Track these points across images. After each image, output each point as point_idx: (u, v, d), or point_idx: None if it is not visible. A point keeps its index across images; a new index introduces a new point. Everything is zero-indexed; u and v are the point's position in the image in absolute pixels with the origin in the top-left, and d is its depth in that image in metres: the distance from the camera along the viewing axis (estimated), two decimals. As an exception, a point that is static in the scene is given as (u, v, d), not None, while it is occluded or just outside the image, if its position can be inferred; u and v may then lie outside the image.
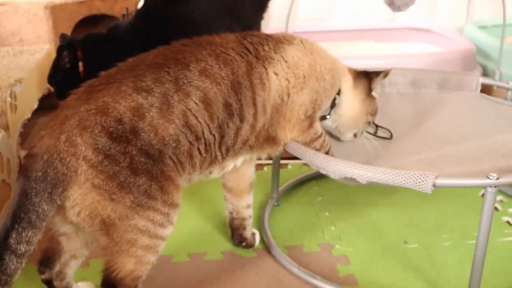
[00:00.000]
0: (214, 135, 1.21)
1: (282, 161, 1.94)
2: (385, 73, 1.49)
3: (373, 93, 1.49)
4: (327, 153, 1.41)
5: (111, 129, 1.09)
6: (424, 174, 1.17)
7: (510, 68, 2.18)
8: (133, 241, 1.13)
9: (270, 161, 1.76)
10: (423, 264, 1.49)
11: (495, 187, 1.16)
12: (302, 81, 1.32)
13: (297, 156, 1.37)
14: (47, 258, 1.28)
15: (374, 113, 1.51)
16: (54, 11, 2.54)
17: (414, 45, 2.84)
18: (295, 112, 1.32)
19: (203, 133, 1.19)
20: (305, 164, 2.00)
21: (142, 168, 1.11)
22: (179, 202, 1.19)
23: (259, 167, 2.03)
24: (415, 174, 1.18)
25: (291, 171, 2.01)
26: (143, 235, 1.14)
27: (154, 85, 1.15)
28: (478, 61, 2.49)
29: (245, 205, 1.54)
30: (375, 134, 1.60)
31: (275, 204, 1.78)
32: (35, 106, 2.19)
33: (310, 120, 1.36)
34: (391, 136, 1.59)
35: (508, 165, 1.30)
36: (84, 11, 2.67)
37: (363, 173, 1.22)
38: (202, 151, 1.22)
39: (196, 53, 1.23)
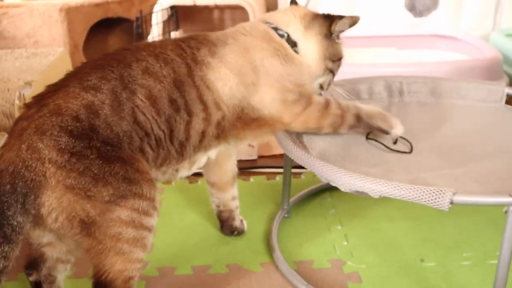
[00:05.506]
0: (163, 130, 1.21)
1: (295, 170, 1.87)
2: (352, 19, 1.38)
3: (337, 40, 1.41)
4: (357, 114, 1.38)
5: (69, 127, 1.07)
6: (441, 190, 1.09)
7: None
8: (118, 236, 1.08)
9: (282, 170, 1.70)
10: (440, 284, 1.40)
11: (518, 206, 1.08)
12: (251, 81, 1.29)
13: (305, 167, 1.29)
14: (32, 261, 1.24)
15: (335, 58, 1.41)
16: (69, 13, 2.51)
17: (437, 52, 2.73)
18: (270, 110, 1.31)
19: (152, 129, 1.19)
20: (319, 174, 1.92)
21: (112, 155, 1.09)
22: (156, 183, 1.18)
23: (270, 176, 1.96)
24: (430, 190, 1.09)
25: (304, 181, 1.93)
26: (127, 227, 1.09)
27: (101, 83, 1.15)
28: (505, 70, 2.39)
29: (230, 198, 1.57)
30: (394, 144, 1.51)
31: (286, 216, 1.70)
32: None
33: (301, 102, 1.33)
34: (411, 149, 1.50)
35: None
36: (100, 13, 2.64)
37: (374, 187, 1.14)
38: (154, 147, 1.20)
39: (136, 54, 1.24)
